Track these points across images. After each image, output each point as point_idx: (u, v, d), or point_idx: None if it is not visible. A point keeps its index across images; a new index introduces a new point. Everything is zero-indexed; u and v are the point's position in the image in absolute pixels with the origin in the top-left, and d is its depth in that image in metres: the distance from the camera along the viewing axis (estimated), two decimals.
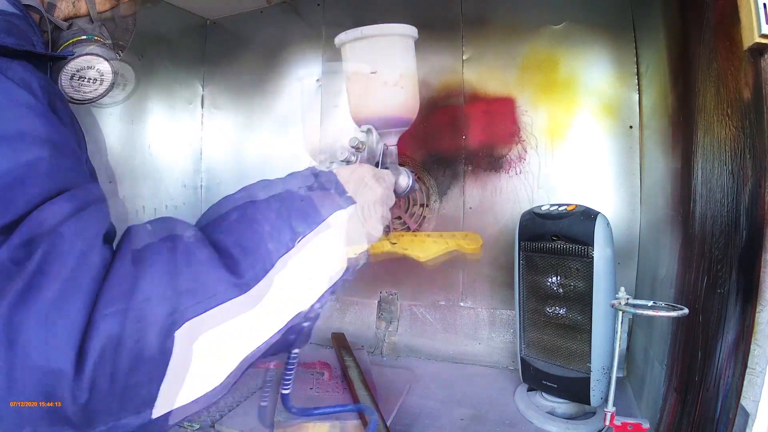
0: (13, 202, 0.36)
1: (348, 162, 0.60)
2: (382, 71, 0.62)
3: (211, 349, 0.39)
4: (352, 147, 0.60)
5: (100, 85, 0.65)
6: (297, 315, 0.44)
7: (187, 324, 0.37)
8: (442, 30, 2.29)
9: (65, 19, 0.66)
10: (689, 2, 1.38)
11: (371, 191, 0.53)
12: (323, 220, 0.46)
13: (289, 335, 0.45)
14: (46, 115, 0.44)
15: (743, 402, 0.88)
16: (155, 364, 0.36)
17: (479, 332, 2.26)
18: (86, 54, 0.62)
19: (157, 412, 0.37)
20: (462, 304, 2.30)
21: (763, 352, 0.86)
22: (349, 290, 2.48)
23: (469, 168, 2.26)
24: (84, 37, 0.63)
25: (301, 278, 0.43)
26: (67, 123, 0.49)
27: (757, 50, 0.90)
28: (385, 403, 1.72)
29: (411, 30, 0.65)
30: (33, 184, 0.38)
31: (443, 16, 2.29)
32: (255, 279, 0.40)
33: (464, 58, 2.26)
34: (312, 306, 0.45)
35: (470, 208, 2.26)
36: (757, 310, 0.87)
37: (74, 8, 0.66)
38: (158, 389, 0.37)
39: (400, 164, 0.78)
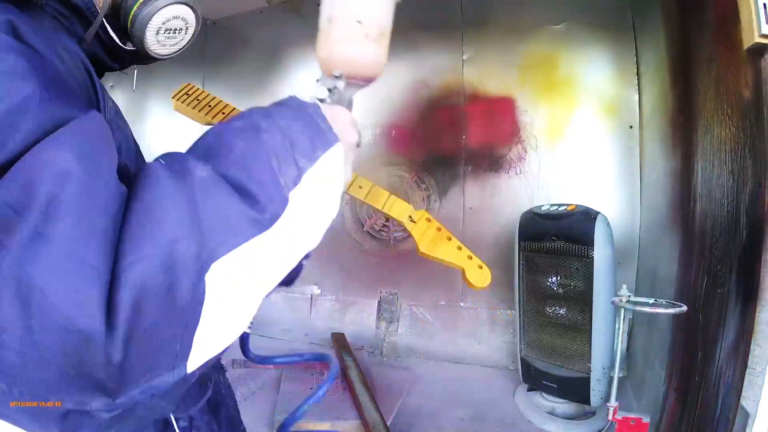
0: (1, 144, 0.31)
1: (322, 101, 0.58)
2: (366, 23, 0.61)
3: (238, 292, 0.36)
4: (328, 89, 0.59)
5: (185, 33, 0.61)
6: (306, 253, 0.43)
7: (215, 265, 0.34)
8: (442, 30, 2.29)
9: None
10: (689, 2, 1.38)
11: (351, 135, 0.52)
12: (320, 156, 0.44)
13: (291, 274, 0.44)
14: (25, 51, 0.37)
15: (743, 402, 0.88)
16: (188, 312, 0.33)
17: (479, 332, 2.26)
18: (170, 4, 0.57)
19: (191, 365, 0.34)
20: (462, 304, 2.30)
21: (763, 352, 0.86)
22: (349, 290, 2.49)
23: (469, 168, 2.26)
24: None
25: (309, 214, 0.42)
26: (68, 71, 0.43)
27: (757, 50, 0.90)
28: (385, 403, 1.72)
29: None
30: (23, 120, 0.33)
31: (443, 16, 2.29)
32: (275, 215, 0.38)
33: (464, 58, 2.26)
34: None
35: (470, 208, 2.26)
36: (757, 310, 0.87)
37: None
38: (192, 340, 0.34)
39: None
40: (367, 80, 0.65)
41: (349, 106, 0.64)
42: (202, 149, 0.41)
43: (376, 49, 0.64)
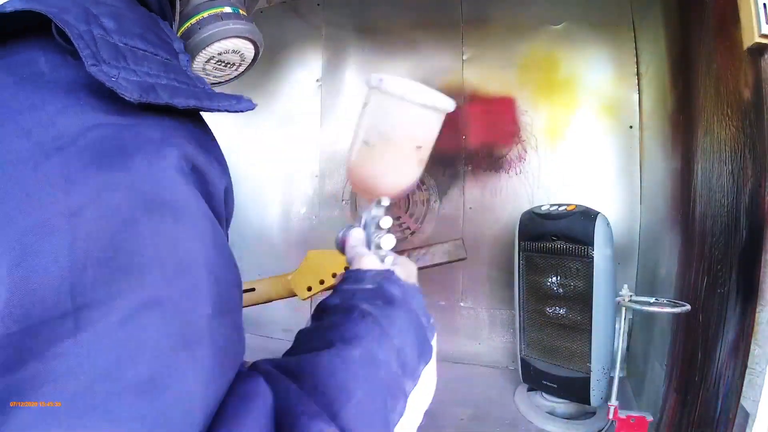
0: None
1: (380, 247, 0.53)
2: (425, 147, 0.55)
3: None
4: (385, 229, 0.53)
5: (236, 70, 0.50)
6: None
7: None
8: (442, 30, 2.29)
9: None
10: (689, 2, 1.38)
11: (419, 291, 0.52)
12: (421, 372, 0.44)
13: None
14: (212, 230, 0.30)
15: (743, 402, 0.88)
16: None
17: (479, 332, 2.26)
18: (235, 37, 0.46)
19: None
20: (462, 304, 2.30)
21: (763, 352, 0.86)
22: None
23: (469, 168, 2.26)
24: (228, 9, 0.46)
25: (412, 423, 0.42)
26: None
27: (757, 50, 0.90)
28: None
29: (453, 105, 0.56)
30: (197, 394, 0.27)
31: (443, 16, 2.29)
32: None
33: (464, 58, 2.26)
34: None
35: (470, 208, 2.26)
36: (757, 310, 0.87)
37: None
38: None
39: None
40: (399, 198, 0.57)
41: None
42: (313, 382, 0.35)
43: (420, 171, 0.56)
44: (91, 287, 0.25)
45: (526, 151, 2.16)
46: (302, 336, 0.42)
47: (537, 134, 2.14)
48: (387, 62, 2.39)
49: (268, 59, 2.65)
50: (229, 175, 0.37)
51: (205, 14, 0.45)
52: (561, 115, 2.11)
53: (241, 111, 0.38)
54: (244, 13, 0.48)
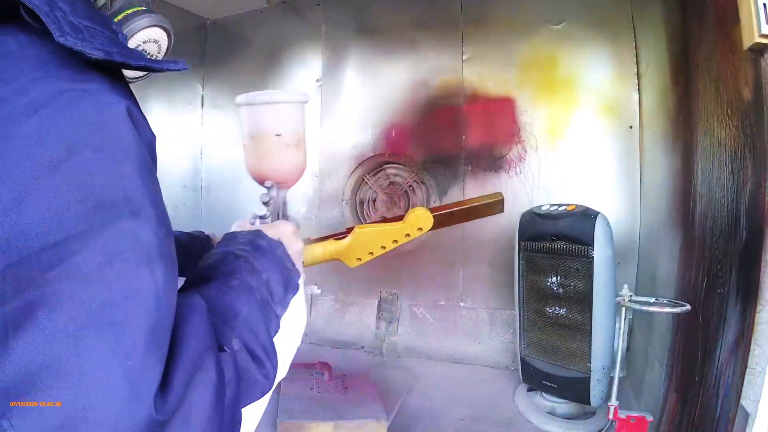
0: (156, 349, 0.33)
1: (263, 217, 0.67)
2: (285, 135, 0.70)
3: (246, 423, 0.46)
4: (263, 203, 0.68)
5: (157, 57, 0.58)
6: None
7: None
8: (442, 30, 2.29)
9: None
10: (689, 2, 1.38)
11: (295, 245, 0.63)
12: (290, 301, 0.55)
13: None
14: (149, 167, 0.39)
15: (743, 402, 0.88)
16: None
17: (479, 332, 2.26)
18: (152, 26, 0.54)
19: None
20: (462, 304, 2.30)
21: (763, 352, 0.86)
22: (349, 290, 2.49)
23: (469, 168, 2.26)
24: (143, 7, 0.54)
25: (287, 345, 0.53)
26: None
27: (757, 50, 0.90)
28: (385, 403, 1.72)
29: (307, 97, 0.74)
30: (166, 312, 0.35)
31: (443, 16, 2.29)
32: (275, 373, 0.48)
33: (464, 58, 2.26)
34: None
35: None
36: (757, 310, 0.87)
37: None
38: None
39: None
40: (293, 180, 0.75)
41: (284, 206, 0.74)
42: (209, 305, 0.46)
43: (296, 153, 0.72)
44: (74, 223, 0.32)
45: (526, 151, 2.16)
46: (190, 279, 0.53)
47: (537, 134, 2.14)
48: (387, 62, 2.39)
49: (268, 59, 2.65)
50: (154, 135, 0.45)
51: (129, 11, 0.54)
52: (561, 115, 2.11)
53: (177, 70, 0.47)
54: (152, 9, 0.57)
